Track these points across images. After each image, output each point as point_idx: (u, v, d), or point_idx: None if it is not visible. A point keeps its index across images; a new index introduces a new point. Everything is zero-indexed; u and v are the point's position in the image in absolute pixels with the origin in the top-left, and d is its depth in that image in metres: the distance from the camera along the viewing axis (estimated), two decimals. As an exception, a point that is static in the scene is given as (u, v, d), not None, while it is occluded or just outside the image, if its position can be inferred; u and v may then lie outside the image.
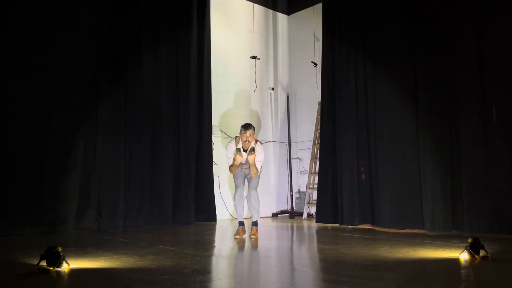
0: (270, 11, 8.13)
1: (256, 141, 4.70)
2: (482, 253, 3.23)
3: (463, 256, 3.24)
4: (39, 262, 2.78)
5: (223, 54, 7.15)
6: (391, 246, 3.90)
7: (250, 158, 4.50)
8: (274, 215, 7.57)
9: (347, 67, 6.08)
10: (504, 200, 4.57)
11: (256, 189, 4.73)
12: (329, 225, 6.01)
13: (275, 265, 3.27)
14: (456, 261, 3.18)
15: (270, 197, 7.56)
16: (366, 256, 3.42)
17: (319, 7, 7.02)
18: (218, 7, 7.09)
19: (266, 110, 7.89)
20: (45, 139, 4.92)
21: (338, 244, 4.30)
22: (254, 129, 4.69)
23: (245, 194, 4.80)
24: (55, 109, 5.00)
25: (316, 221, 6.25)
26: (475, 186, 4.73)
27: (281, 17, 8.30)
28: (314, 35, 7.74)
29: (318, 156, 6.86)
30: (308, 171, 7.47)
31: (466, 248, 3.24)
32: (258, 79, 7.66)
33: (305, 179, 7.58)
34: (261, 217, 4.89)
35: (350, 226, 5.76)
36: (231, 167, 4.68)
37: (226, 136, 7.02)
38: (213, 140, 6.68)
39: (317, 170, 6.93)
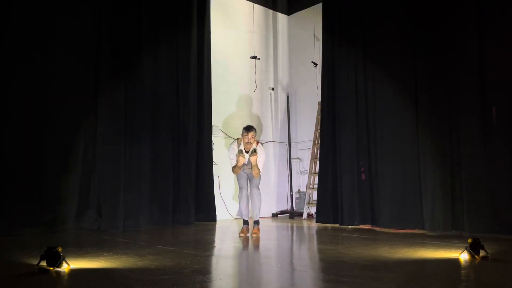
0: (270, 11, 8.13)
1: (258, 142, 4.84)
2: (482, 253, 3.23)
3: (463, 256, 3.24)
4: (39, 262, 2.78)
5: (223, 54, 7.15)
6: (391, 246, 3.90)
7: (252, 159, 4.66)
8: (274, 215, 7.57)
9: (347, 67, 6.08)
10: (504, 200, 4.57)
11: (258, 187, 4.87)
12: (329, 225, 6.01)
13: (275, 265, 3.27)
14: (456, 261, 3.18)
15: (270, 197, 7.56)
16: (366, 256, 3.42)
17: (319, 7, 7.02)
18: (218, 7, 7.09)
19: (266, 110, 7.89)
20: (45, 139, 4.92)
21: (338, 244, 4.30)
22: (256, 131, 4.83)
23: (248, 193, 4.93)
24: (55, 109, 5.00)
25: (316, 221, 6.25)
26: (475, 186, 4.73)
27: (281, 17, 8.30)
28: (314, 35, 7.74)
29: (318, 156, 6.86)
30: (308, 171, 7.47)
31: (466, 248, 3.24)
32: (258, 79, 7.66)
33: (305, 179, 7.58)
34: (260, 217, 4.98)
35: (350, 226, 5.76)
36: (234, 168, 4.80)
37: (226, 136, 7.02)
38: (213, 140, 6.68)
39: (317, 170, 6.93)
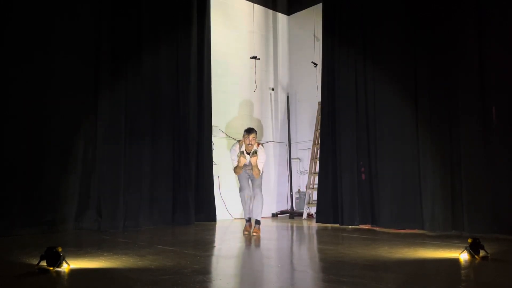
0: (270, 11, 8.13)
1: (258, 144, 5.01)
2: (482, 253, 3.23)
3: (463, 256, 3.24)
4: (39, 262, 2.78)
5: (223, 54, 7.15)
6: (391, 246, 3.90)
7: (253, 160, 4.85)
8: (274, 215, 7.57)
9: (347, 67, 6.08)
10: (504, 200, 4.57)
11: (260, 188, 5.07)
12: (329, 225, 6.01)
13: (275, 265, 3.27)
14: (456, 261, 3.18)
15: (270, 197, 7.55)
16: (366, 256, 3.42)
17: (319, 7, 7.03)
18: (218, 7, 7.09)
19: (266, 110, 7.89)
20: (45, 139, 4.92)
21: (338, 244, 4.30)
22: (257, 133, 4.98)
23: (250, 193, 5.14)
24: (55, 109, 5.00)
25: (316, 221, 6.25)
26: (475, 186, 4.73)
27: (281, 17, 8.30)
28: (314, 35, 7.74)
29: (318, 156, 6.86)
30: (308, 171, 7.47)
31: (466, 248, 3.24)
32: (258, 79, 7.66)
33: (305, 179, 7.58)
34: (261, 217, 5.10)
35: (350, 226, 5.76)
36: (235, 169, 4.97)
37: (226, 136, 7.02)
38: (213, 140, 6.68)
39: (317, 170, 6.94)
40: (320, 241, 4.77)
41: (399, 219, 5.32)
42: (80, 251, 3.55)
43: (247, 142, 4.88)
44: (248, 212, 5.10)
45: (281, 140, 8.00)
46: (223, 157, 6.83)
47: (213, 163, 6.59)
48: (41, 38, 4.95)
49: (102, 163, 5.27)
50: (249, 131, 4.92)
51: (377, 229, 5.48)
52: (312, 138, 7.51)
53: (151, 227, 5.55)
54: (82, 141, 5.22)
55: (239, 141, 5.10)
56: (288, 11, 8.35)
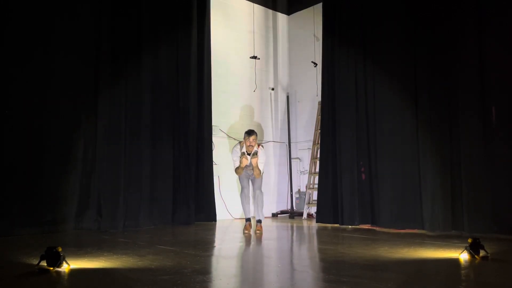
0: (270, 11, 8.13)
1: (259, 145, 5.19)
2: (482, 253, 3.23)
3: (463, 256, 3.24)
4: (39, 262, 2.78)
5: (223, 54, 7.15)
6: (391, 246, 3.90)
7: (253, 161, 5.04)
8: (274, 215, 7.57)
9: (347, 67, 6.08)
10: (504, 200, 4.57)
11: (261, 189, 5.26)
12: (329, 225, 6.01)
13: (275, 265, 3.27)
14: (456, 261, 3.18)
15: (270, 197, 7.55)
16: (366, 256, 3.42)
17: (319, 7, 7.02)
18: (218, 7, 7.09)
19: (266, 110, 7.89)
20: (45, 139, 4.92)
21: (338, 244, 4.30)
22: (257, 135, 5.16)
23: (250, 193, 5.36)
24: (55, 109, 5.00)
25: (316, 221, 6.25)
26: (475, 186, 4.73)
27: (281, 17, 8.30)
28: (314, 35, 7.74)
29: (318, 156, 6.86)
30: (308, 171, 7.47)
31: (466, 248, 3.24)
32: (258, 79, 7.66)
33: (305, 179, 7.58)
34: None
35: (350, 226, 5.76)
36: (237, 169, 5.12)
37: (226, 136, 7.02)
38: (213, 140, 6.68)
39: (317, 170, 6.94)
40: (320, 241, 4.77)
41: (399, 219, 5.32)
42: (80, 251, 3.55)
43: (248, 144, 5.04)
44: (248, 212, 5.28)
45: (281, 140, 8.00)
46: (223, 157, 6.83)
47: (213, 163, 6.59)
48: (41, 38, 4.95)
49: (102, 163, 5.27)
50: (250, 133, 5.09)
51: (377, 229, 5.48)
52: (312, 138, 7.51)
53: (151, 227, 5.55)
54: (82, 141, 5.22)
55: (240, 142, 5.24)
56: (288, 11, 8.35)
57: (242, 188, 5.27)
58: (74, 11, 5.23)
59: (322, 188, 6.30)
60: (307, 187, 7.31)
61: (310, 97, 7.77)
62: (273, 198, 7.73)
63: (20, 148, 4.73)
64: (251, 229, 5.15)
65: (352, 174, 5.87)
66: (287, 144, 7.88)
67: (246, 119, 7.40)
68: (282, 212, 7.65)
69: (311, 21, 7.74)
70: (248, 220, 5.26)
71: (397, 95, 5.48)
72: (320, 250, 4.10)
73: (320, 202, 6.30)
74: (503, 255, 3.45)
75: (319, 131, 6.74)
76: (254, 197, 5.32)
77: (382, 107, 5.64)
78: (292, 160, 7.81)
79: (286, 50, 8.31)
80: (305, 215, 7.14)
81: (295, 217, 7.24)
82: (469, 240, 3.26)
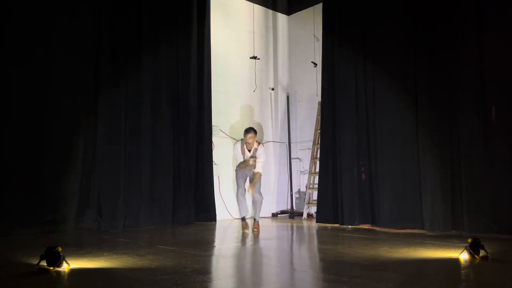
0: (270, 11, 8.13)
1: (259, 143, 5.35)
2: (482, 253, 3.23)
3: (463, 256, 3.24)
4: (39, 262, 2.78)
5: (223, 54, 7.15)
6: (391, 246, 3.90)
7: (251, 160, 5.25)
8: (274, 215, 7.57)
9: (347, 67, 6.08)
10: (504, 200, 4.57)
11: (260, 192, 5.34)
12: (329, 225, 6.01)
13: (275, 265, 3.27)
14: (456, 261, 3.18)
15: (270, 197, 7.55)
16: (366, 256, 3.42)
17: (319, 7, 7.02)
18: (218, 7, 7.09)
19: (266, 110, 7.88)
20: (45, 139, 4.92)
21: (338, 244, 4.30)
22: (256, 132, 5.30)
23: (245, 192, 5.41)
24: (55, 109, 5.00)
25: (316, 221, 6.25)
26: (475, 186, 4.73)
27: (281, 17, 8.29)
28: (314, 35, 7.74)
29: (318, 156, 6.86)
30: (308, 171, 7.47)
31: (466, 248, 3.24)
32: (258, 79, 7.66)
33: (305, 179, 7.57)
34: (260, 217, 5.51)
35: (350, 226, 5.76)
36: (240, 164, 5.29)
37: (226, 136, 7.02)
38: (213, 140, 6.68)
39: (317, 170, 6.94)
40: (320, 241, 4.77)
41: (399, 219, 5.32)
42: (80, 251, 3.56)
43: (246, 141, 5.24)
44: (244, 210, 5.35)
45: (281, 140, 8.00)
46: (223, 157, 6.83)
47: (213, 163, 6.59)
48: (41, 38, 4.95)
49: (102, 163, 5.27)
50: (247, 130, 5.27)
51: (377, 229, 5.48)
52: (312, 138, 7.51)
53: (151, 227, 5.55)
54: (82, 141, 5.22)
55: (241, 139, 5.38)
56: (288, 11, 8.35)
57: (238, 187, 5.35)
58: (74, 11, 5.23)
59: (322, 188, 6.30)
60: (307, 187, 7.31)
61: (310, 97, 7.77)
62: (273, 198, 7.73)
63: (20, 148, 4.73)
64: (249, 228, 5.27)
65: (352, 174, 5.87)
66: (287, 144, 7.88)
67: (246, 119, 7.40)
68: (282, 212, 7.65)
69: (311, 21, 7.74)
70: (244, 219, 5.36)
71: (397, 95, 5.48)
72: (320, 250, 4.10)
73: (320, 202, 6.31)
74: (503, 255, 3.45)
75: (319, 131, 6.74)
76: (253, 200, 5.41)
77: (382, 107, 5.64)
78: (292, 160, 7.81)
79: (286, 50, 8.31)
80: (305, 215, 7.14)
81: (295, 217, 7.24)
82: (469, 240, 3.26)
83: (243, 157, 5.29)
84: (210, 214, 6.37)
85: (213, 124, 6.70)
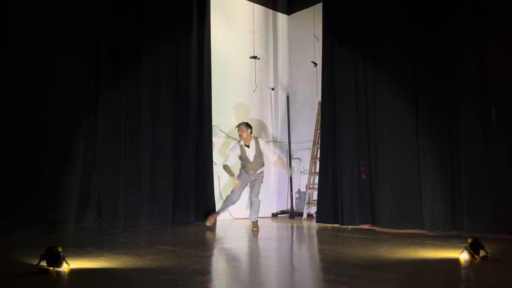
0: (270, 11, 8.13)
1: (255, 138, 5.55)
2: (482, 253, 3.23)
3: (463, 256, 3.24)
4: (39, 262, 2.78)
5: (223, 54, 7.15)
6: (391, 246, 3.90)
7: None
8: (274, 215, 7.57)
9: (347, 67, 6.08)
10: (504, 200, 4.57)
11: (258, 196, 5.50)
12: (329, 225, 6.01)
13: (275, 265, 3.27)
14: (456, 261, 3.18)
15: (270, 197, 7.55)
16: (366, 256, 3.42)
17: (319, 7, 7.03)
18: (218, 7, 7.09)
19: (266, 110, 7.88)
20: (45, 139, 4.92)
21: (338, 244, 4.31)
22: (246, 125, 5.46)
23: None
24: (55, 109, 5.00)
25: (316, 221, 6.25)
26: (475, 186, 4.73)
27: (281, 17, 8.29)
28: (314, 35, 7.74)
29: (318, 156, 6.86)
30: (308, 171, 7.47)
31: (466, 248, 3.24)
32: (258, 79, 7.66)
33: (305, 179, 7.57)
34: (260, 217, 5.62)
35: (350, 226, 5.76)
36: (226, 168, 5.47)
37: (226, 136, 7.02)
38: (213, 140, 6.68)
39: (317, 170, 6.94)
40: (320, 241, 4.77)
41: (399, 219, 5.32)
42: (80, 251, 3.55)
43: (240, 134, 5.45)
44: (222, 210, 5.74)
45: (281, 140, 8.00)
46: (223, 157, 6.82)
47: (213, 163, 6.59)
48: (41, 38, 4.94)
49: (102, 163, 5.27)
50: (238, 125, 5.51)
51: (377, 229, 5.48)
52: (312, 138, 7.51)
53: (151, 227, 5.55)
54: (82, 141, 5.22)
55: (238, 143, 5.50)
56: (288, 11, 8.35)
57: (233, 192, 5.58)
58: (74, 11, 5.23)
59: (322, 188, 6.30)
60: (307, 187, 7.31)
61: (310, 97, 7.77)
62: (273, 198, 7.73)
63: (20, 148, 4.73)
64: (212, 220, 5.61)
65: (352, 174, 5.87)
66: (287, 144, 7.88)
67: (246, 119, 7.38)
68: (282, 212, 7.65)
69: (311, 21, 7.74)
70: (217, 213, 5.78)
71: (397, 95, 5.48)
72: (320, 250, 4.10)
73: (320, 202, 6.31)
74: (503, 255, 3.45)
75: (319, 131, 6.74)
76: (251, 203, 5.52)
77: (382, 107, 5.64)
78: (292, 160, 7.80)
79: (286, 50, 8.31)
80: (305, 215, 7.14)
81: (295, 217, 7.24)
82: (469, 240, 3.26)
83: (249, 158, 5.41)
84: (210, 214, 6.36)
85: (213, 124, 6.70)
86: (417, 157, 5.22)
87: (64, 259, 2.77)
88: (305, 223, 6.42)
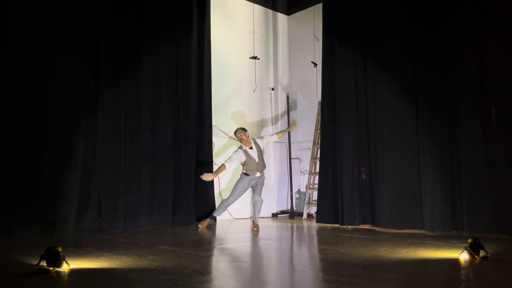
0: (270, 11, 8.13)
1: (253, 139, 5.62)
2: (482, 253, 3.23)
3: (463, 256, 3.24)
4: (39, 262, 2.78)
5: (223, 54, 7.15)
6: (391, 247, 3.90)
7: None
8: (274, 215, 7.57)
9: (347, 67, 6.08)
10: (504, 200, 4.57)
11: (260, 195, 5.56)
12: (329, 225, 6.01)
13: (275, 265, 3.27)
14: (456, 261, 3.18)
15: (270, 197, 7.55)
16: (366, 256, 3.42)
17: (319, 7, 7.02)
18: (218, 7, 7.09)
19: (266, 110, 7.88)
20: (45, 139, 4.92)
21: (338, 245, 4.31)
22: (243, 130, 5.57)
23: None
24: (55, 109, 5.00)
25: (316, 221, 6.25)
26: (475, 186, 4.73)
27: (281, 17, 8.29)
28: (314, 35, 7.74)
29: (318, 156, 6.86)
30: (308, 171, 7.47)
31: (466, 248, 3.24)
32: (258, 79, 7.66)
33: (305, 179, 7.57)
34: (260, 217, 5.74)
35: (350, 226, 5.76)
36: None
37: (226, 136, 7.02)
38: (213, 140, 6.68)
39: (317, 170, 6.94)
40: (320, 241, 4.77)
41: (399, 219, 5.32)
42: (80, 251, 3.55)
43: (240, 139, 5.53)
44: (218, 214, 5.77)
45: (281, 140, 8.00)
46: (223, 157, 6.82)
47: (213, 163, 6.59)
48: (41, 38, 4.94)
49: (102, 163, 5.27)
50: (234, 133, 5.63)
51: (377, 229, 5.48)
52: (312, 138, 7.51)
53: (151, 227, 5.55)
54: (82, 141, 5.22)
55: (239, 148, 5.55)
56: (288, 11, 8.35)
57: (231, 196, 5.63)
58: (74, 11, 5.23)
59: (322, 188, 6.30)
60: (307, 187, 7.31)
61: (310, 97, 7.77)
62: (273, 198, 7.73)
63: (20, 148, 4.73)
64: (205, 224, 5.64)
65: (352, 174, 5.87)
66: (287, 144, 7.88)
67: (246, 119, 7.40)
68: (282, 212, 7.65)
69: (311, 21, 7.74)
70: (213, 218, 5.86)
71: (397, 95, 5.48)
72: (320, 250, 4.10)
73: (320, 202, 6.30)
74: (503, 255, 3.45)
75: (319, 131, 6.74)
76: (253, 202, 5.58)
77: (382, 107, 5.64)
78: (292, 160, 7.80)
79: (286, 50, 8.31)
80: (305, 215, 7.14)
81: (295, 217, 7.24)
82: (469, 240, 3.26)
83: (255, 159, 5.47)
84: (210, 214, 6.36)
85: (213, 124, 6.70)
86: (417, 157, 5.22)
87: (64, 259, 2.77)
88: (305, 223, 6.42)
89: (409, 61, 5.35)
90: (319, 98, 6.82)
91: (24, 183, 4.72)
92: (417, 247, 3.85)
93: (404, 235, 4.79)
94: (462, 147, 4.87)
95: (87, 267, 2.92)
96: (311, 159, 7.39)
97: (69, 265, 2.80)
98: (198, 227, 5.57)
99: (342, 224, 5.86)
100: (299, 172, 7.91)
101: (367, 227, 5.66)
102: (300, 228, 5.89)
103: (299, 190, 7.78)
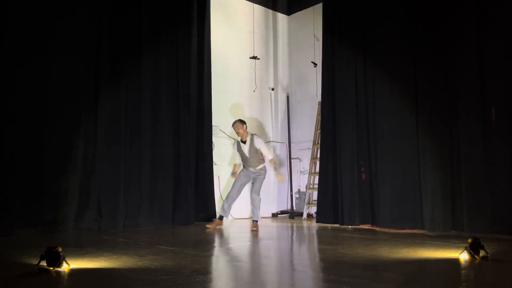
0: (270, 11, 8.13)
1: (252, 135, 5.59)
2: (482, 253, 3.23)
3: (463, 256, 3.24)
4: (39, 262, 2.78)
5: (223, 54, 7.15)
6: (391, 247, 3.90)
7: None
8: (274, 215, 7.57)
9: (347, 67, 6.08)
10: (504, 200, 4.57)
11: (258, 193, 5.53)
12: (329, 225, 6.01)
13: (275, 265, 3.27)
14: (456, 261, 3.18)
15: (270, 197, 7.55)
16: (366, 256, 3.42)
17: (319, 7, 7.03)
18: (218, 7, 7.09)
19: (266, 110, 7.88)
20: (45, 139, 4.92)
21: (338, 245, 4.30)
22: (241, 121, 5.57)
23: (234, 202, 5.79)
24: (55, 109, 5.00)
25: (316, 221, 6.25)
26: (475, 186, 4.73)
27: (281, 17, 8.29)
28: (314, 35, 7.74)
29: (318, 156, 6.86)
30: (308, 171, 7.47)
31: (466, 248, 3.24)
32: (258, 79, 7.66)
33: (305, 179, 7.57)
34: (261, 217, 5.67)
35: (350, 226, 5.76)
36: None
37: (226, 136, 7.02)
38: (213, 140, 6.68)
39: (317, 170, 6.93)
40: (320, 241, 4.77)
41: (399, 219, 5.32)
42: (80, 251, 3.55)
43: (237, 132, 5.56)
44: (223, 211, 5.70)
45: (281, 140, 8.00)
46: (223, 157, 6.83)
47: (213, 163, 6.59)
48: (41, 38, 4.94)
49: (102, 163, 5.27)
50: (233, 124, 5.61)
51: (377, 229, 5.48)
52: (312, 138, 7.51)
53: (151, 227, 5.55)
54: (82, 141, 5.22)
55: (236, 141, 5.59)
56: (288, 11, 8.35)
57: (231, 191, 5.67)
58: (74, 11, 5.23)
59: (322, 188, 6.30)
60: (307, 187, 7.31)
61: (310, 97, 7.77)
62: (273, 198, 7.73)
63: (20, 148, 4.73)
64: (216, 226, 5.58)
65: (352, 174, 5.87)
66: (287, 144, 7.88)
67: (246, 119, 7.37)
68: (282, 212, 7.65)
69: (311, 21, 7.74)
70: (220, 218, 5.72)
71: (397, 95, 5.48)
72: (320, 250, 4.10)
73: (320, 202, 6.30)
74: (503, 255, 3.45)
75: (319, 131, 6.74)
76: (251, 200, 5.56)
77: (382, 107, 5.64)
78: (292, 160, 7.80)
79: (286, 50, 8.31)
80: (305, 215, 7.14)
81: (295, 217, 7.24)
82: (469, 240, 3.26)
83: (245, 153, 5.47)
84: (210, 214, 6.38)
85: (213, 124, 6.70)
86: (417, 157, 5.22)
87: (64, 259, 2.77)
88: (305, 223, 6.42)
89: (409, 61, 5.35)
90: (319, 98, 6.82)
91: (24, 183, 4.72)
92: (417, 247, 3.85)
93: (404, 235, 4.79)
94: (462, 147, 4.87)
95: (87, 267, 2.92)
96: (311, 159, 7.39)
97: (69, 265, 2.80)
98: (207, 227, 5.54)
99: (342, 224, 5.86)
100: (299, 172, 7.91)
101: (367, 227, 5.66)
102: (300, 228, 5.89)
103: (299, 190, 7.77)
